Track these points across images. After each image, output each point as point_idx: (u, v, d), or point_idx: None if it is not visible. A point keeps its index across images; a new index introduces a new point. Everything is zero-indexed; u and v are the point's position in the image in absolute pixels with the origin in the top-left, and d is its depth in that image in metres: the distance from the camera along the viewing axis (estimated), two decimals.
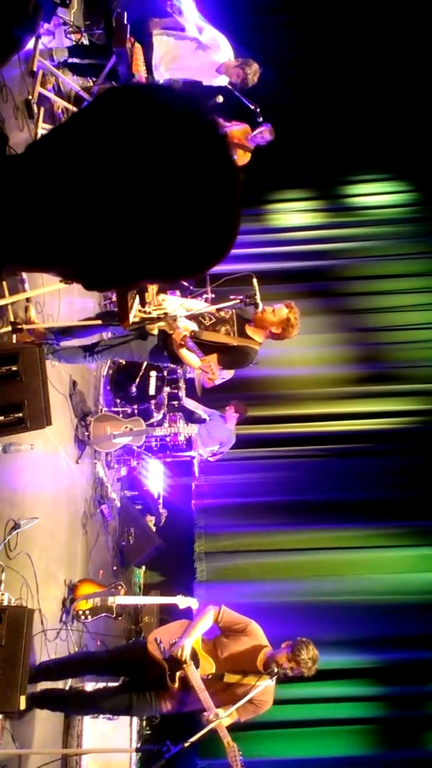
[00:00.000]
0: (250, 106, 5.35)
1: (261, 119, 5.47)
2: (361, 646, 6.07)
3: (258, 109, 5.43)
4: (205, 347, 3.85)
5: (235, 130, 5.64)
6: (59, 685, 3.91)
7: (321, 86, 8.05)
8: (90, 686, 4.11)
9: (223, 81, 4.85)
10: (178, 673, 3.39)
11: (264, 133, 5.67)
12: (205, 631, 3.58)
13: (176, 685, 3.40)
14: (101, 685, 4.02)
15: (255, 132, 5.70)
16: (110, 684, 3.88)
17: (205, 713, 3.29)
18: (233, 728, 3.38)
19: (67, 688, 4.09)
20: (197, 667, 3.42)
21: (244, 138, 5.67)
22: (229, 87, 4.90)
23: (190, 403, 6.36)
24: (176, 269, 0.74)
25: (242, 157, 5.52)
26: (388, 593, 6.32)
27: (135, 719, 4.36)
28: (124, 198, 0.67)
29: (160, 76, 4.76)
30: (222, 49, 4.77)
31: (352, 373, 7.57)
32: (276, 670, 3.38)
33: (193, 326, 3.88)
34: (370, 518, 6.72)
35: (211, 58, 4.74)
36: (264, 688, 3.40)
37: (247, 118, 5.57)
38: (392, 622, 6.14)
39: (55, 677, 3.76)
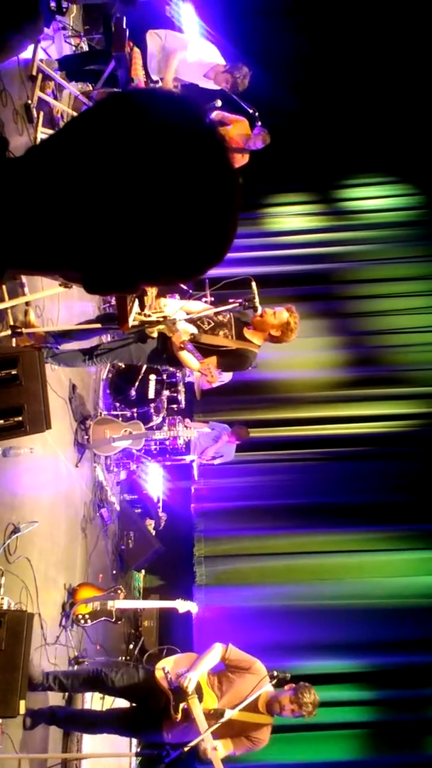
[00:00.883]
0: (249, 109, 5.36)
1: (260, 123, 5.47)
2: (360, 650, 6.06)
3: (257, 113, 5.43)
4: (204, 350, 3.85)
5: (233, 130, 5.64)
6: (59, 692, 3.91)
7: (321, 89, 8.07)
8: (89, 696, 4.11)
9: (211, 86, 4.81)
10: (181, 705, 3.44)
11: (258, 139, 5.68)
12: (212, 666, 3.65)
13: (179, 716, 3.44)
14: (99, 695, 4.06)
15: (251, 139, 5.71)
16: (116, 706, 3.91)
17: (202, 745, 3.30)
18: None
19: (66, 695, 4.08)
20: (200, 700, 3.47)
21: (241, 139, 5.67)
22: (227, 91, 4.90)
23: (198, 428, 6.35)
24: (176, 271, 0.74)
25: (241, 159, 5.51)
26: (387, 597, 6.32)
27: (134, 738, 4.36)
28: (124, 202, 0.67)
29: (156, 73, 4.74)
30: (210, 54, 4.71)
31: (351, 377, 7.58)
32: (277, 710, 3.48)
33: (192, 329, 3.88)
34: (370, 522, 6.72)
35: (201, 60, 4.70)
36: (265, 730, 3.52)
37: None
38: (391, 626, 6.14)
39: (69, 690, 3.80)
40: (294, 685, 3.51)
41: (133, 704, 3.80)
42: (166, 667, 3.57)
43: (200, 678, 3.54)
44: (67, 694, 4.08)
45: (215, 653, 3.62)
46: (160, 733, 3.57)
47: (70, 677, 3.70)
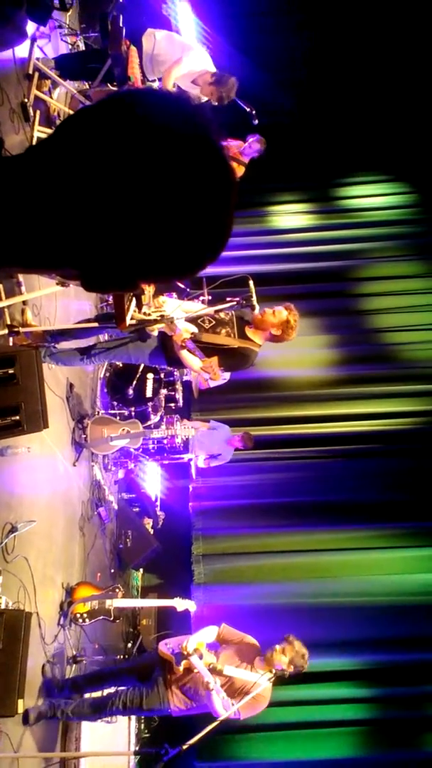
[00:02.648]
0: (246, 108, 5.36)
1: (257, 122, 5.47)
2: (358, 647, 6.07)
3: (254, 112, 5.43)
4: (205, 349, 3.85)
5: (230, 146, 5.66)
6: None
7: (318, 88, 8.08)
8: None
9: (197, 93, 4.74)
10: (183, 662, 3.59)
11: (253, 144, 5.70)
12: (208, 640, 3.81)
13: (181, 669, 3.60)
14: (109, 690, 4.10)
15: (245, 145, 5.72)
16: (119, 688, 3.94)
17: (207, 680, 3.45)
18: (230, 731, 3.49)
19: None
20: (200, 658, 3.60)
21: (238, 152, 5.70)
22: (213, 102, 4.86)
23: (198, 427, 6.34)
24: (173, 268, 0.75)
25: (237, 171, 5.52)
26: (385, 594, 6.33)
27: (134, 722, 4.36)
28: (122, 200, 0.68)
29: (150, 74, 4.73)
30: (201, 60, 4.65)
31: (349, 375, 7.58)
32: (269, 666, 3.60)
33: (192, 328, 3.88)
34: (368, 519, 6.73)
35: (191, 69, 4.64)
36: (264, 690, 3.59)
37: (243, 121, 5.57)
38: (389, 623, 6.15)
39: (82, 691, 3.91)
40: (283, 640, 3.69)
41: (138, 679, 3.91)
42: (167, 641, 3.79)
43: (199, 644, 3.68)
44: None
45: (211, 629, 3.86)
46: (168, 702, 3.67)
47: (88, 678, 3.89)
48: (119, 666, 3.94)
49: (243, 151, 5.67)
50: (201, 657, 3.57)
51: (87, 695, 3.98)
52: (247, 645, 3.81)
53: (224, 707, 3.46)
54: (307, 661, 3.66)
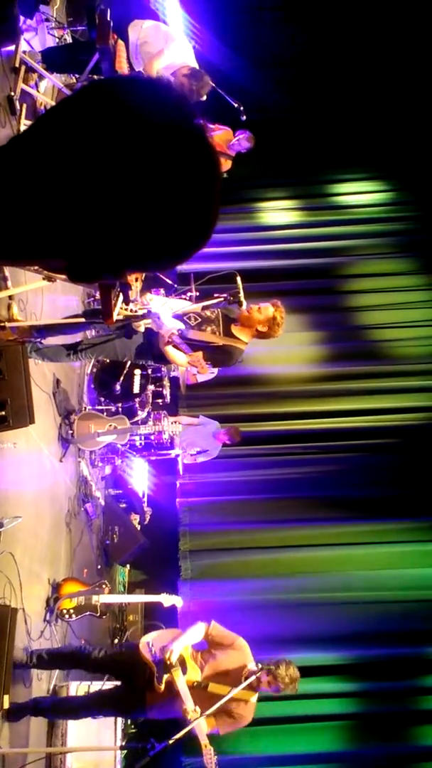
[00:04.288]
0: (234, 104, 5.35)
1: (245, 117, 5.47)
2: (345, 643, 6.11)
3: (242, 108, 5.43)
4: (191, 346, 3.85)
5: (218, 135, 5.65)
6: (44, 683, 3.92)
7: (307, 86, 8.09)
8: (74, 686, 4.12)
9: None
10: (165, 677, 3.44)
11: (242, 141, 5.70)
12: (195, 641, 3.66)
13: (162, 687, 3.45)
14: (85, 684, 4.06)
15: (233, 140, 5.72)
16: (98, 687, 3.90)
17: (185, 708, 3.33)
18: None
19: (51, 687, 4.09)
20: (184, 673, 3.48)
21: (225, 145, 5.69)
22: (213, 85, 4.86)
23: (187, 422, 6.32)
24: (159, 257, 0.75)
25: (223, 164, 5.52)
26: (372, 589, 6.38)
27: (120, 717, 4.37)
28: (106, 188, 0.68)
29: (137, 64, 4.70)
30: (183, 54, 4.63)
31: (337, 371, 7.62)
32: (256, 684, 3.47)
33: (179, 325, 3.88)
34: (355, 515, 6.77)
35: (173, 62, 4.61)
36: (246, 703, 3.50)
37: (231, 116, 5.57)
38: (375, 619, 6.19)
39: (46, 667, 3.82)
40: (274, 660, 3.54)
41: (117, 683, 3.79)
42: (150, 641, 3.59)
43: (184, 651, 3.55)
44: (51, 686, 4.09)
45: (198, 629, 3.66)
46: (143, 710, 3.58)
47: (52, 654, 3.73)
48: (95, 657, 3.75)
49: (231, 145, 5.67)
50: (185, 671, 3.45)
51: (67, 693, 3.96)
52: (236, 653, 3.62)
53: (203, 729, 3.35)
54: (296, 687, 3.51)
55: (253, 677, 3.46)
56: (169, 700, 3.48)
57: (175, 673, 3.42)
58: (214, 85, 4.73)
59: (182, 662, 3.51)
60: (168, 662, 3.42)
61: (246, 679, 3.48)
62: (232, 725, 3.52)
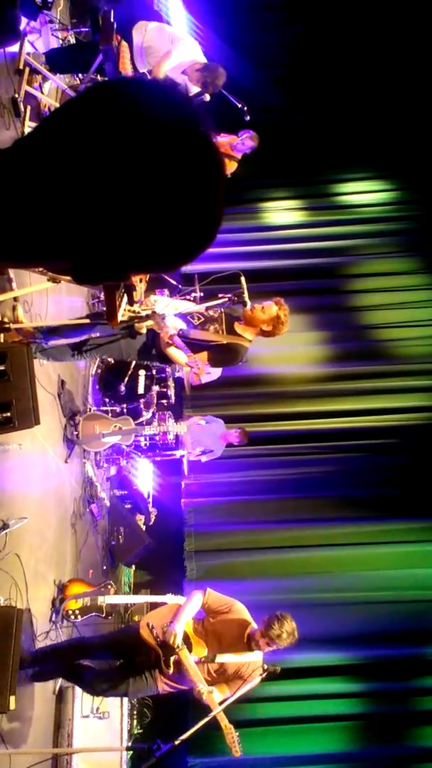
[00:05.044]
0: (237, 104, 5.35)
1: (248, 118, 5.47)
2: (349, 643, 6.10)
3: (245, 108, 5.43)
4: (194, 346, 3.85)
5: (222, 141, 5.65)
6: (49, 686, 3.93)
7: (311, 85, 8.08)
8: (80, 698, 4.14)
9: (186, 82, 4.73)
10: (172, 658, 3.48)
11: (246, 140, 5.68)
12: (194, 614, 3.68)
13: (171, 670, 3.50)
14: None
15: (237, 141, 5.70)
16: (106, 667, 3.90)
17: (198, 688, 3.37)
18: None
19: (56, 688, 4.09)
20: (190, 650, 3.51)
21: (230, 148, 5.68)
22: (201, 90, 4.84)
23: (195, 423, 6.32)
24: (164, 258, 0.75)
25: (228, 166, 5.51)
26: (377, 590, 6.36)
27: (126, 718, 4.37)
28: (111, 190, 0.68)
29: (141, 66, 4.71)
30: (191, 52, 4.64)
31: (342, 371, 7.60)
32: (255, 648, 3.52)
33: (181, 325, 3.88)
34: (360, 515, 6.76)
35: (181, 61, 4.62)
36: (253, 663, 3.53)
37: (234, 117, 5.57)
38: (380, 619, 6.18)
39: (51, 664, 3.82)
40: (266, 618, 3.56)
41: (122, 661, 3.78)
42: (151, 622, 3.61)
43: (186, 627, 3.57)
44: (57, 688, 4.10)
45: (196, 600, 3.68)
46: (155, 686, 3.61)
47: (55, 651, 3.76)
48: (94, 640, 3.79)
49: (235, 146, 5.65)
50: (190, 649, 3.48)
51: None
52: (235, 618, 3.66)
53: (217, 699, 3.40)
54: (296, 636, 3.53)
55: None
56: (179, 676, 3.54)
57: (182, 653, 3.44)
58: (201, 89, 4.72)
59: (186, 639, 3.54)
60: (173, 645, 3.45)
61: (248, 642, 3.55)
62: (246, 686, 3.51)
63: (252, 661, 3.54)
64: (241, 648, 3.56)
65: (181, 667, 3.47)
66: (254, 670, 3.52)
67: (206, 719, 3.28)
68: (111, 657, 3.84)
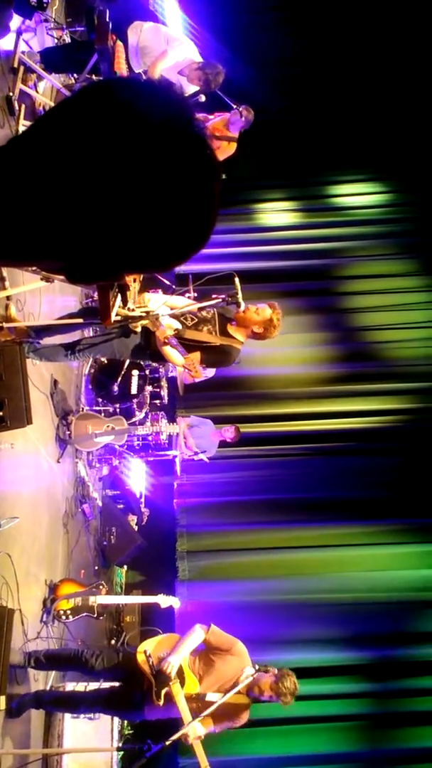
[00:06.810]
0: (233, 105, 5.34)
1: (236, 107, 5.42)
2: (344, 644, 6.12)
3: (240, 109, 5.42)
4: (187, 346, 3.85)
5: (216, 122, 5.58)
6: (40, 684, 3.92)
7: (306, 87, 8.09)
8: (71, 687, 4.13)
9: (185, 83, 4.71)
10: (164, 691, 3.44)
11: (240, 113, 5.47)
12: (193, 647, 3.64)
13: (161, 702, 3.45)
14: (82, 686, 4.07)
15: (230, 115, 5.51)
16: (97, 686, 3.91)
17: (186, 735, 3.32)
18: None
19: (48, 687, 4.09)
20: (182, 684, 3.48)
21: (225, 127, 5.59)
22: (201, 88, 4.84)
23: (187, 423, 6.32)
24: (157, 258, 0.75)
25: (228, 148, 5.42)
26: (369, 591, 6.38)
27: (116, 718, 4.36)
28: (105, 190, 0.68)
29: (137, 66, 4.70)
30: (187, 51, 4.63)
31: (333, 373, 7.63)
32: (258, 694, 3.48)
33: (176, 325, 3.88)
34: (352, 516, 6.78)
35: (177, 61, 4.61)
36: (244, 707, 3.51)
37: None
38: (374, 620, 6.20)
39: (44, 668, 3.83)
40: (276, 672, 3.52)
41: (116, 684, 3.79)
42: (148, 649, 3.57)
43: (181, 661, 3.54)
44: (48, 687, 4.09)
45: (197, 635, 3.63)
46: (142, 713, 3.60)
47: (50, 656, 3.75)
48: (93, 664, 3.71)
49: (231, 122, 5.49)
50: (183, 683, 3.46)
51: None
52: (234, 659, 3.60)
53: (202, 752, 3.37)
54: (292, 700, 3.50)
55: (249, 680, 3.46)
56: (167, 706, 3.49)
57: (174, 688, 3.41)
58: (201, 88, 4.71)
59: (180, 673, 3.51)
60: (167, 674, 3.42)
61: (248, 688, 3.49)
62: (229, 726, 3.55)
63: (243, 708, 3.52)
64: (234, 689, 3.50)
65: (172, 699, 3.44)
66: (243, 713, 3.52)
67: (199, 717, 3.28)
68: (105, 678, 3.83)
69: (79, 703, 3.79)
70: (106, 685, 3.86)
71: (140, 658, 3.55)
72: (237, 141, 5.50)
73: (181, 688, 3.44)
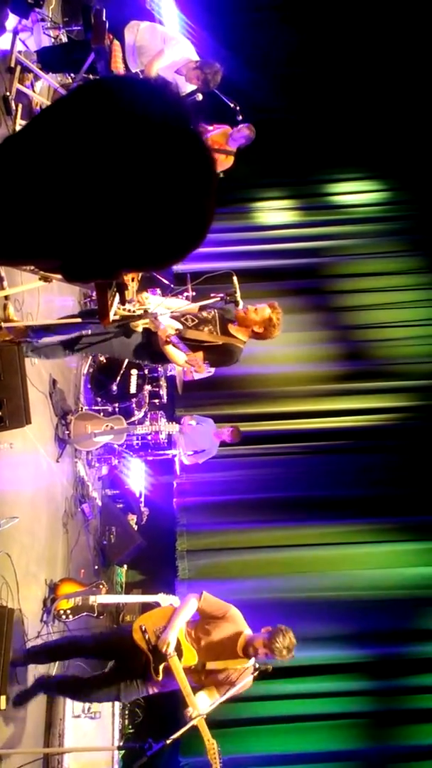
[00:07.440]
0: (230, 104, 5.35)
1: (241, 117, 5.46)
2: (343, 642, 6.12)
3: (238, 108, 5.43)
4: (189, 346, 3.85)
5: (216, 134, 5.61)
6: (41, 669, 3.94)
7: (302, 86, 8.08)
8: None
9: (182, 82, 4.71)
10: (162, 666, 3.47)
11: (242, 131, 5.60)
12: (188, 619, 3.66)
13: (160, 677, 3.49)
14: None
15: (233, 131, 5.63)
16: (98, 672, 3.91)
17: (187, 710, 3.33)
18: (218, 724, 3.45)
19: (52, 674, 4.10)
20: (180, 657, 3.50)
21: (225, 141, 5.63)
22: (199, 88, 4.83)
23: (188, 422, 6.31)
24: (154, 257, 0.75)
25: (225, 161, 5.47)
26: (368, 589, 6.39)
27: (117, 717, 4.37)
28: (101, 188, 0.68)
29: (133, 66, 4.70)
30: (184, 50, 4.62)
31: (332, 371, 7.63)
32: (253, 653, 3.50)
33: (177, 325, 3.88)
34: (351, 514, 6.78)
35: (173, 60, 4.60)
36: (244, 670, 3.51)
37: (227, 117, 5.56)
38: (373, 618, 6.21)
39: (44, 661, 3.84)
40: (270, 629, 3.54)
41: (114, 663, 3.79)
42: (144, 625, 3.60)
43: (178, 633, 3.56)
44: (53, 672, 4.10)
45: (191, 606, 3.66)
46: (144, 690, 3.62)
47: (49, 649, 3.77)
48: (87, 641, 3.78)
49: (232, 136, 5.56)
50: (181, 656, 3.47)
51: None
52: (229, 624, 3.63)
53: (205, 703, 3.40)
54: (293, 655, 3.51)
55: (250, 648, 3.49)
56: (168, 680, 3.52)
57: (172, 662, 3.43)
58: (199, 87, 4.70)
59: (177, 646, 3.52)
60: (165, 650, 3.45)
61: (245, 651, 3.52)
62: (235, 689, 3.52)
63: (242, 667, 3.53)
64: (233, 654, 3.54)
65: (171, 673, 3.47)
66: (244, 675, 3.51)
67: (195, 720, 3.28)
68: (104, 658, 3.84)
69: (81, 686, 3.78)
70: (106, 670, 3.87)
71: (136, 635, 3.58)
72: (234, 155, 5.54)
73: (180, 661, 3.46)
